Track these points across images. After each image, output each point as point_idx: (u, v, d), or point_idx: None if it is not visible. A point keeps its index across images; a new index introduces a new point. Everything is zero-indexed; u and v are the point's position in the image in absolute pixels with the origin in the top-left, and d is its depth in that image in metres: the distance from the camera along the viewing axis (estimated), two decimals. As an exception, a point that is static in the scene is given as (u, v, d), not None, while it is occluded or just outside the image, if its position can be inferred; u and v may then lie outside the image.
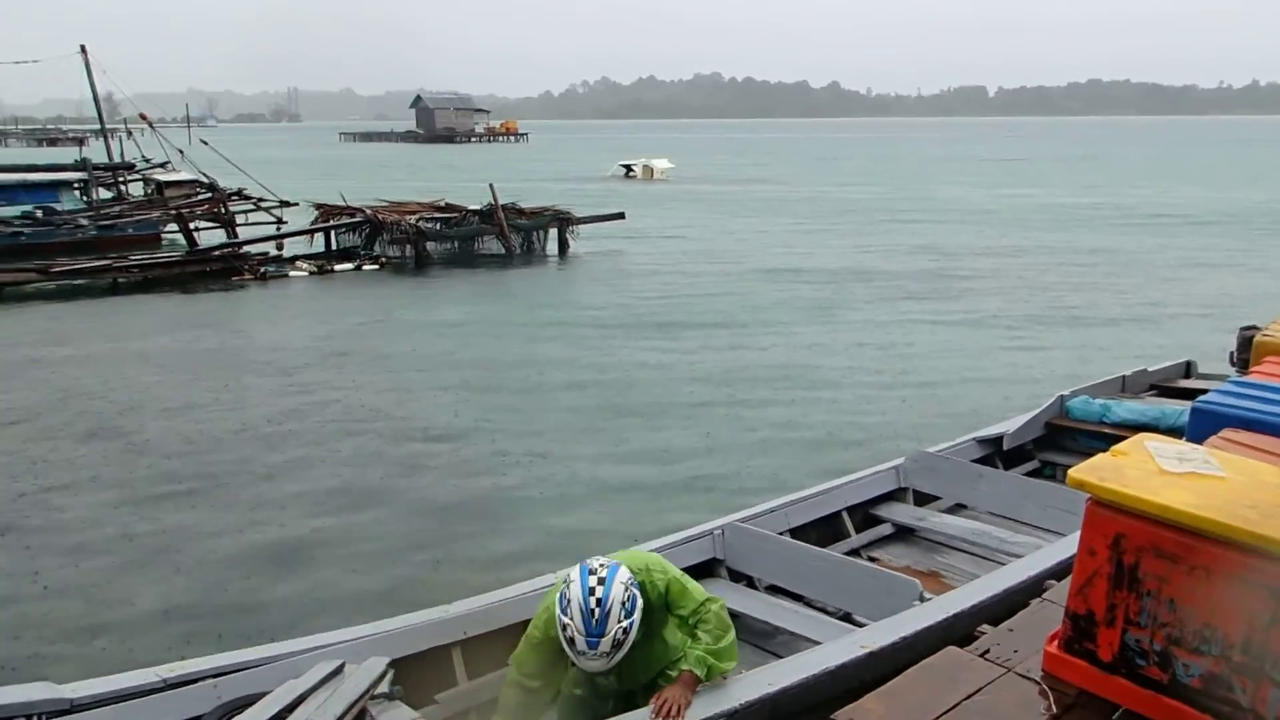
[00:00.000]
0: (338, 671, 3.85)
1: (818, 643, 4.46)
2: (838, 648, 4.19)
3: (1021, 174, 55.89)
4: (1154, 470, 3.55)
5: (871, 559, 5.94)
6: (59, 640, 6.10)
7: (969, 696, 3.55)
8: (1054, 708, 3.47)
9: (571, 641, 3.48)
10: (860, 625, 4.75)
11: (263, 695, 3.72)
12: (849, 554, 5.66)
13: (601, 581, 3.49)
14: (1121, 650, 3.45)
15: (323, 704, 3.61)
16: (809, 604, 5.27)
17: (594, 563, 3.59)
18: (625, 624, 3.48)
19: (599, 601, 3.45)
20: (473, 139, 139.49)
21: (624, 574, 3.57)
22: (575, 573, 3.57)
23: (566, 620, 3.47)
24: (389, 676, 3.91)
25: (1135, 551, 3.39)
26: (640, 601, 3.59)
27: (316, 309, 17.23)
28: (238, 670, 3.93)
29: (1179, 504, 3.29)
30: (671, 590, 3.79)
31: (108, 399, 11.13)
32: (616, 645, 3.48)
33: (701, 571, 5.43)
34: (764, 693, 3.83)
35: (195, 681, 3.84)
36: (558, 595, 3.59)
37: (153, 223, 25.10)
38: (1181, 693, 3.28)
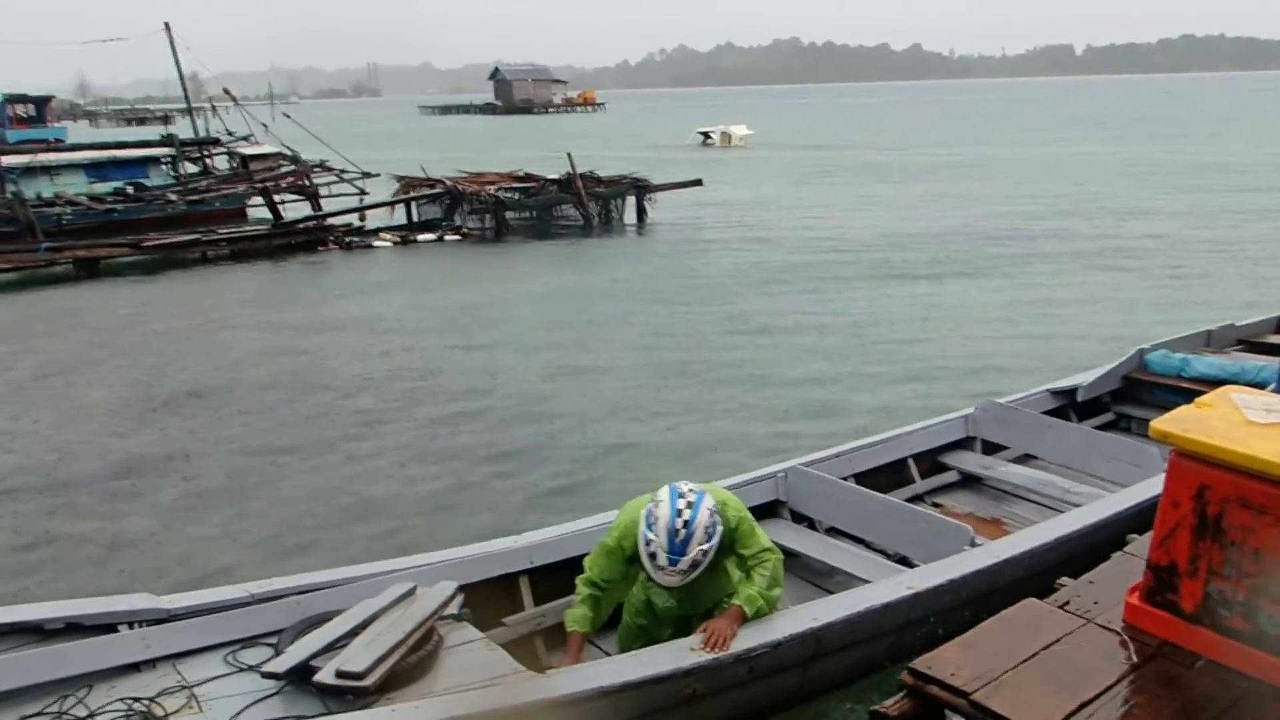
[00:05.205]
0: (410, 593, 4.10)
1: (870, 583, 4.56)
2: (884, 587, 4.32)
3: (1131, 134, 54.24)
4: (1240, 422, 3.51)
5: (936, 505, 5.97)
6: (170, 560, 6.59)
7: (1048, 646, 3.56)
8: (1135, 658, 3.46)
9: (653, 556, 3.71)
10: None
11: (340, 612, 3.98)
12: (912, 500, 5.72)
13: (690, 505, 3.73)
14: (1204, 601, 3.42)
15: (394, 621, 3.86)
16: (869, 546, 5.38)
17: (683, 486, 3.82)
18: (705, 547, 3.72)
19: (685, 524, 3.69)
20: (550, 110, 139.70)
21: (710, 501, 3.80)
22: (664, 493, 3.78)
23: (651, 536, 3.71)
24: (459, 599, 4.15)
25: (1220, 503, 3.36)
26: (721, 529, 3.80)
27: (402, 278, 17.52)
28: (318, 589, 4.22)
29: (1267, 455, 3.25)
30: (741, 529, 3.99)
31: (207, 361, 11.54)
32: (694, 565, 3.72)
33: (764, 512, 5.58)
34: (808, 627, 3.98)
35: (280, 598, 4.14)
36: (644, 512, 3.80)
37: (239, 197, 25.69)
38: (1266, 643, 3.26)
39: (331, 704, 3.50)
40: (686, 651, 3.74)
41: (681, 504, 3.71)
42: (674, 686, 3.68)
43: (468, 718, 3.34)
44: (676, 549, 3.67)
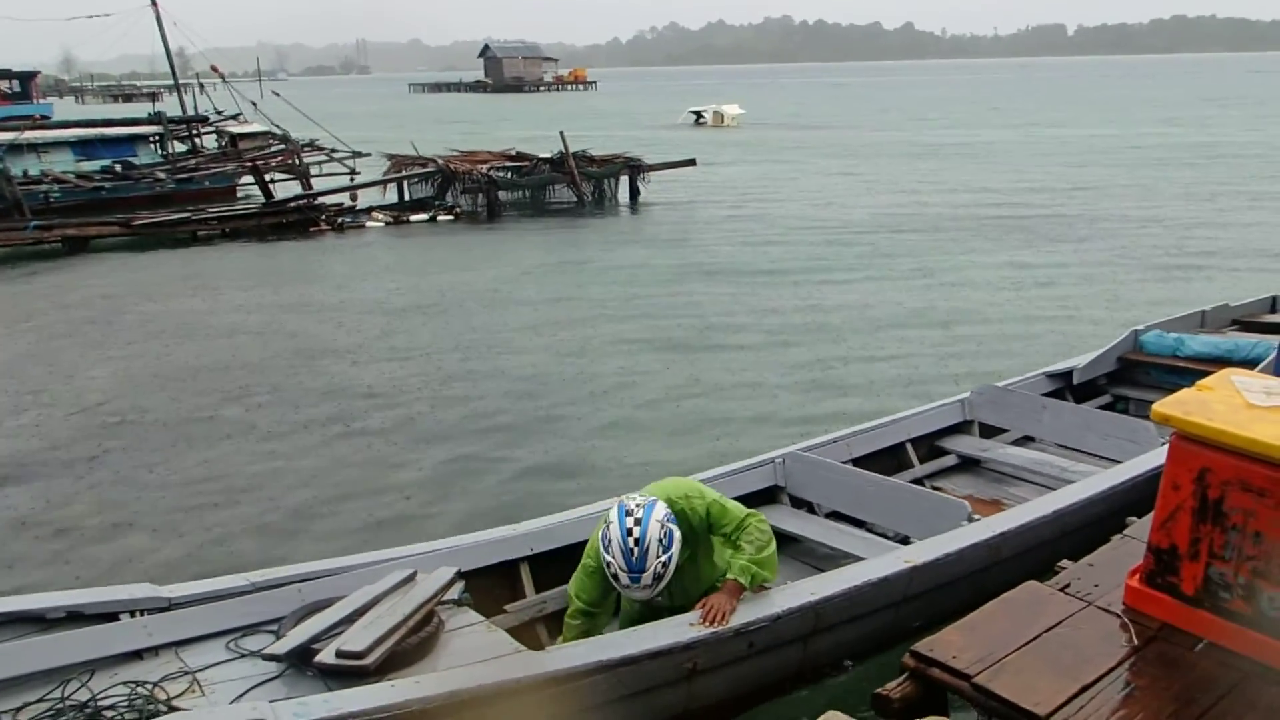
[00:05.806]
0: (410, 579, 4.14)
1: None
2: (882, 562, 4.35)
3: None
4: (1241, 404, 3.52)
5: (935, 489, 5.98)
6: (168, 546, 6.53)
7: (1049, 629, 3.57)
8: (1135, 640, 3.47)
9: (616, 577, 3.72)
10: None
11: (341, 598, 4.01)
12: (912, 483, 5.71)
13: (638, 522, 3.69)
14: (1205, 584, 3.44)
15: (394, 605, 3.89)
16: (869, 529, 5.42)
17: (630, 503, 3.77)
18: (664, 558, 3.69)
19: (637, 541, 3.66)
20: (541, 88, 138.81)
21: (659, 510, 3.75)
22: (614, 513, 3.76)
23: (609, 559, 3.71)
24: (459, 585, 4.18)
25: (1220, 486, 3.37)
26: (677, 534, 3.77)
27: (396, 259, 17.48)
28: (319, 577, 4.24)
29: (1268, 438, 3.26)
30: (712, 512, 3.98)
31: (202, 341, 11.48)
32: (657, 578, 3.70)
33: (763, 498, 5.60)
34: (807, 601, 4.00)
35: (281, 586, 4.16)
36: (599, 536, 3.80)
37: (228, 175, 25.54)
38: (1267, 625, 3.27)
39: (333, 684, 3.52)
40: (686, 626, 3.76)
41: (630, 521, 3.67)
42: (674, 661, 3.70)
43: (467, 693, 3.35)
44: (635, 566, 3.65)
